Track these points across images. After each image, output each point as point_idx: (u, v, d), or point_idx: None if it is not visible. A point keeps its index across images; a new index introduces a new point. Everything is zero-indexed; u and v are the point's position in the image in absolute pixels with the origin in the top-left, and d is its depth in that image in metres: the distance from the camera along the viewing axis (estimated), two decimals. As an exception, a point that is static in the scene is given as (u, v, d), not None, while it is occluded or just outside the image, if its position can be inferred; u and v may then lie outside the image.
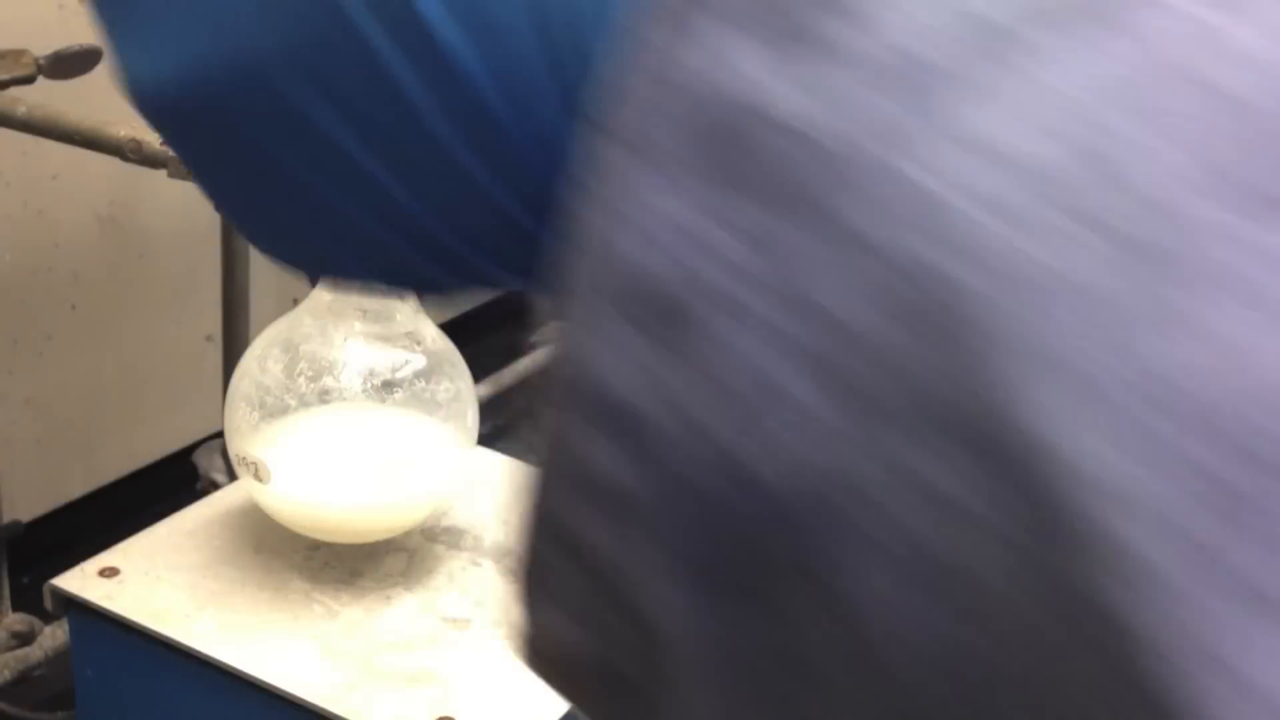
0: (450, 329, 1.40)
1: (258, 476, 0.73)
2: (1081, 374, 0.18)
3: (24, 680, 0.95)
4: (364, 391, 0.72)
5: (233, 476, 0.81)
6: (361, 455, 0.73)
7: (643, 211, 0.20)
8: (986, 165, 0.18)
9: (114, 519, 1.03)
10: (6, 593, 0.94)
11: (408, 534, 0.80)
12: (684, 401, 0.19)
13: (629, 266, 0.20)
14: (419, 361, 0.74)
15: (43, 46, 0.89)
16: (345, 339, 0.73)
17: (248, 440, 0.73)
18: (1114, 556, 0.18)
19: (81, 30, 1.15)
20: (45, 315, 1.20)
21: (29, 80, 0.87)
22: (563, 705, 0.70)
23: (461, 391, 0.76)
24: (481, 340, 1.80)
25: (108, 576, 0.74)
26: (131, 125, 0.74)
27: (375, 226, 0.25)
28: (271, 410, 0.72)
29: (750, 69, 0.19)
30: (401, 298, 0.73)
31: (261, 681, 0.68)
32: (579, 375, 0.21)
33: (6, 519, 1.14)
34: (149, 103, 0.26)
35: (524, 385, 1.62)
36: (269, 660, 0.69)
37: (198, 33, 0.24)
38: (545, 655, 0.23)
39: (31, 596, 0.78)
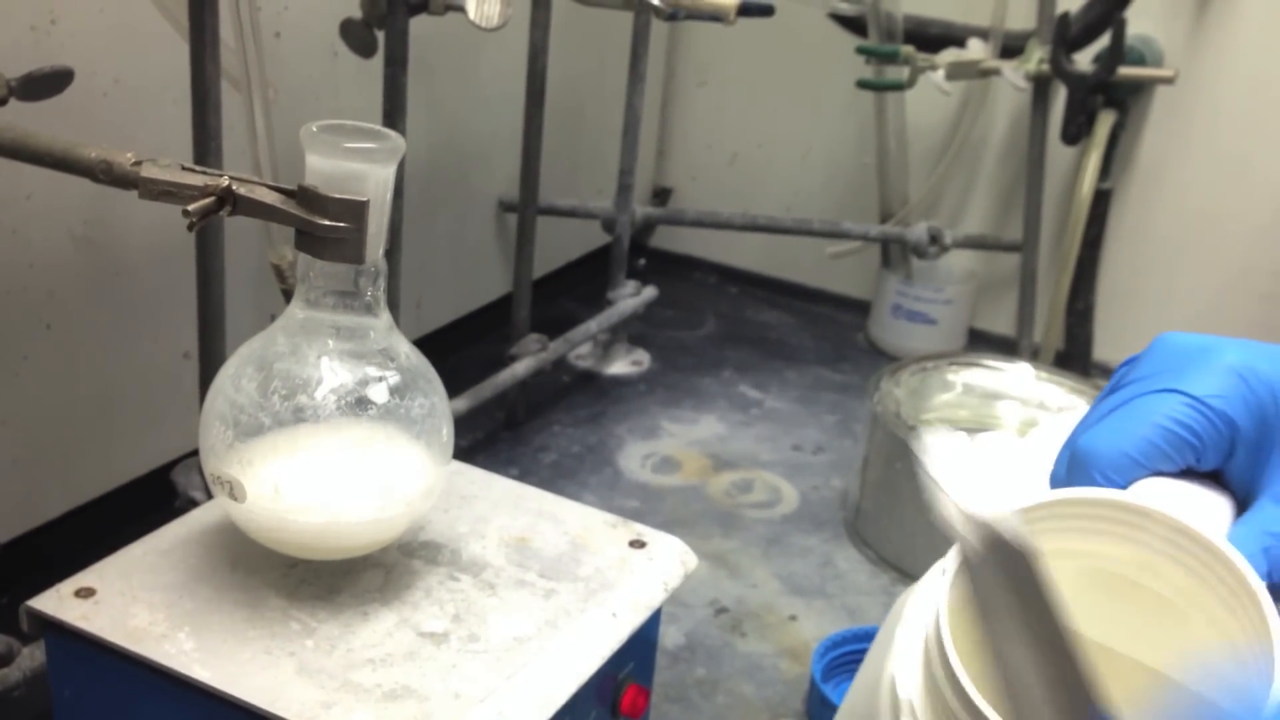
0: (428, 342, 1.40)
1: (233, 495, 0.73)
2: None
3: (3, 701, 0.95)
4: (338, 409, 0.73)
5: (211, 495, 0.81)
6: (337, 472, 0.74)
7: None
8: None
9: (93, 537, 1.03)
10: (-16, 614, 0.94)
11: (384, 550, 0.80)
12: None
13: None
14: (393, 378, 0.74)
15: (14, 69, 0.89)
16: (319, 356, 0.73)
17: (222, 459, 0.73)
18: None
19: (53, 52, 1.15)
20: (21, 335, 1.20)
21: (0, 103, 0.87)
22: None
23: (436, 406, 0.76)
24: (460, 353, 1.81)
25: (83, 597, 0.74)
26: (102, 147, 0.74)
27: None
28: (246, 429, 0.72)
29: None
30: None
31: (239, 700, 0.68)
32: None
33: (-16, 540, 1.14)
34: None
35: (503, 398, 1.62)
36: (246, 678, 0.69)
37: None
38: None
39: (10, 617, 0.78)
